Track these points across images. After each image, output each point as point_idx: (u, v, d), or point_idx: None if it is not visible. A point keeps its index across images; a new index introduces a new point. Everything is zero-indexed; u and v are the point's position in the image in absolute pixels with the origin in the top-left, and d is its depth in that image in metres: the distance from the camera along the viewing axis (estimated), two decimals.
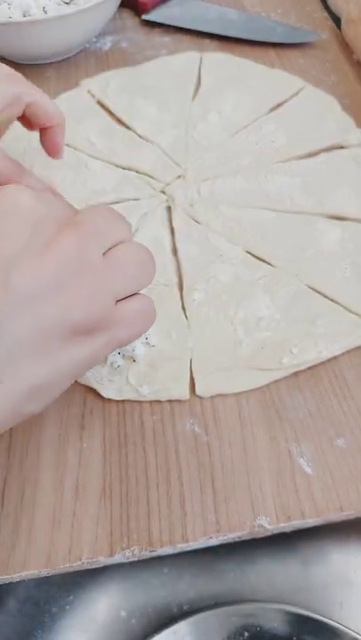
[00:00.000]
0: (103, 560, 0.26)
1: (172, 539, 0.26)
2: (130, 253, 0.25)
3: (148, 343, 0.32)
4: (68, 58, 0.53)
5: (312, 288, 0.34)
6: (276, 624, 0.30)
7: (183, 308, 0.34)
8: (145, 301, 0.26)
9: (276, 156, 0.43)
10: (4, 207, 0.23)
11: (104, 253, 0.24)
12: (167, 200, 0.41)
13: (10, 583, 0.26)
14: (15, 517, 0.27)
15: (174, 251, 0.38)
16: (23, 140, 0.45)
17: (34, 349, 0.22)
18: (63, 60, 0.53)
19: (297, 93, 0.47)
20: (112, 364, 0.31)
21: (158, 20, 0.56)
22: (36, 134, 0.45)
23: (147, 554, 0.26)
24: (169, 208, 0.40)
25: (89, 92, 0.49)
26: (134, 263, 0.25)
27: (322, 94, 0.47)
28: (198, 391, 0.31)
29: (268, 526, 0.26)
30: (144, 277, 0.26)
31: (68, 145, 0.44)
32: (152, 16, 0.57)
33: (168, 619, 0.31)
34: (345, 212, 0.38)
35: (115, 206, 0.40)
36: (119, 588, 0.32)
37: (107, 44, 0.55)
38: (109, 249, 0.25)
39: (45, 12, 0.48)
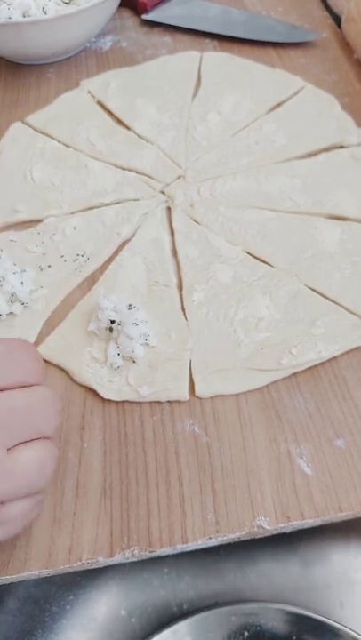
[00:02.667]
0: (103, 560, 0.26)
1: (172, 539, 0.26)
2: (29, 461, 0.23)
3: (147, 344, 0.32)
4: (68, 58, 0.53)
5: (312, 289, 0.34)
6: (276, 623, 0.30)
7: (183, 309, 0.34)
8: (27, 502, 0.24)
9: (276, 156, 0.43)
10: None
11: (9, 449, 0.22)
12: (167, 200, 0.41)
13: (10, 583, 0.26)
14: None
15: (174, 251, 0.38)
16: (25, 140, 0.45)
17: None
18: (63, 60, 0.53)
19: (297, 93, 0.47)
20: (112, 364, 0.31)
21: (158, 20, 0.56)
22: (39, 136, 0.45)
23: (147, 554, 0.26)
24: (169, 208, 0.40)
25: (89, 92, 0.49)
26: (30, 472, 0.23)
27: (322, 94, 0.47)
28: (198, 392, 0.31)
29: (267, 527, 0.26)
30: (37, 483, 0.23)
31: (67, 145, 0.45)
32: (152, 16, 0.56)
33: (168, 618, 0.31)
34: (345, 212, 0.38)
35: (115, 207, 0.40)
36: (119, 587, 0.32)
37: (107, 43, 0.55)
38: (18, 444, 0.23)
39: (45, 13, 0.48)
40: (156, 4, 0.57)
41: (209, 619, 0.30)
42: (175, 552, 0.26)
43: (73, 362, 0.32)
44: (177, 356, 0.32)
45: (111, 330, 0.32)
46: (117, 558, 0.26)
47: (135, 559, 0.26)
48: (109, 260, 0.37)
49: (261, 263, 0.36)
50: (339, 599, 0.32)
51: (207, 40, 0.54)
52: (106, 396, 0.31)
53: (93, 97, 0.49)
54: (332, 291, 0.34)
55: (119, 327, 0.32)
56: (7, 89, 0.51)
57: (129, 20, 0.58)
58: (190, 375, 0.31)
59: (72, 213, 0.40)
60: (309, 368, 0.32)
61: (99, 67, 0.52)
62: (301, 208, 0.39)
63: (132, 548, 0.26)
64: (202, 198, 0.40)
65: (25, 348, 0.24)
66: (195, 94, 0.48)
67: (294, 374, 0.31)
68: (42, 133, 0.46)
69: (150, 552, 0.26)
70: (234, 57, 0.51)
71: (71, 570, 0.26)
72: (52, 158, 0.43)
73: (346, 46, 0.52)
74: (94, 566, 0.26)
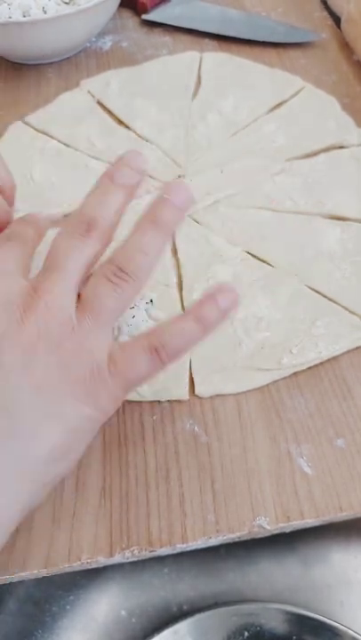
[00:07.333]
0: (103, 560, 0.26)
1: (172, 539, 0.26)
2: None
3: None
4: (68, 58, 0.53)
5: (312, 288, 0.34)
6: (276, 624, 0.30)
7: (183, 309, 0.34)
8: None
9: (276, 155, 0.43)
10: None
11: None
12: None
13: (10, 583, 0.26)
14: None
15: (174, 251, 0.38)
16: (25, 140, 0.45)
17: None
18: (63, 60, 0.53)
19: (297, 93, 0.47)
20: None
21: (158, 20, 0.56)
22: (39, 136, 0.45)
23: (146, 554, 0.26)
24: None
25: (89, 92, 0.49)
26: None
27: (322, 94, 0.47)
28: (198, 391, 0.31)
29: (267, 526, 0.26)
30: None
31: (68, 145, 0.45)
32: (152, 16, 0.57)
33: (168, 618, 0.31)
34: (345, 212, 0.38)
35: None
36: (119, 587, 0.32)
37: (107, 43, 0.55)
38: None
39: (45, 13, 0.48)
40: (156, 4, 0.58)
41: (209, 619, 0.30)
42: (175, 552, 0.26)
43: None
44: None
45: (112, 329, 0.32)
46: (117, 558, 0.26)
47: (135, 559, 0.26)
48: None
49: (261, 263, 0.36)
50: (339, 599, 0.32)
51: (207, 40, 0.54)
52: None
53: (93, 97, 0.49)
54: (332, 291, 0.34)
55: (120, 327, 0.32)
56: (7, 89, 0.51)
57: (129, 20, 0.58)
58: (190, 375, 0.31)
59: (72, 213, 0.40)
60: (310, 368, 0.32)
61: (99, 67, 0.52)
62: (301, 208, 0.39)
63: (131, 548, 0.26)
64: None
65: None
66: (195, 94, 0.48)
67: (295, 374, 0.31)
68: (42, 133, 0.46)
69: (150, 552, 0.26)
70: (234, 57, 0.51)
71: (71, 570, 0.26)
72: (52, 158, 0.43)
73: (346, 47, 0.52)
74: (94, 566, 0.26)
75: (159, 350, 0.23)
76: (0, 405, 0.21)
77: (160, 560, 0.32)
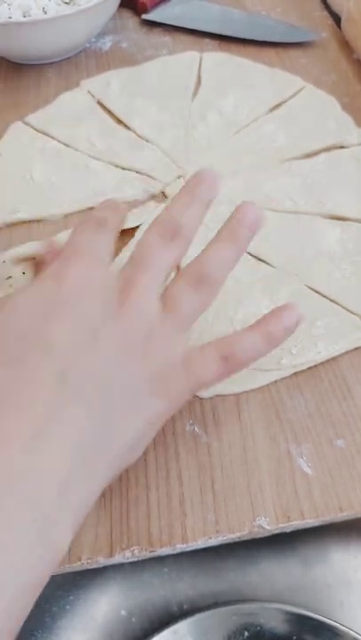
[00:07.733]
0: (103, 561, 0.26)
1: (172, 539, 0.26)
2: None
3: None
4: (68, 58, 0.53)
5: (312, 288, 0.34)
6: (277, 623, 0.30)
7: None
8: None
9: (276, 155, 0.43)
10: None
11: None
12: (167, 200, 0.41)
13: None
14: None
15: None
16: (25, 140, 0.45)
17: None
18: (63, 60, 0.53)
19: (297, 93, 0.47)
20: None
21: (158, 20, 0.56)
22: (39, 136, 0.45)
23: (146, 554, 0.26)
24: None
25: (89, 92, 0.49)
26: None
27: (322, 94, 0.47)
28: (198, 392, 0.31)
29: (267, 527, 0.26)
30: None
31: (68, 145, 0.45)
32: (152, 16, 0.57)
33: (168, 618, 0.31)
34: (345, 212, 0.38)
35: None
36: (119, 587, 0.32)
37: (107, 43, 0.55)
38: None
39: (45, 13, 0.48)
40: (156, 4, 0.58)
41: (209, 619, 0.30)
42: (175, 552, 0.26)
43: None
44: None
45: None
46: (117, 558, 0.26)
47: (135, 559, 0.26)
48: None
49: (261, 263, 0.36)
50: (339, 599, 0.32)
51: (207, 40, 0.54)
52: None
53: (93, 97, 0.49)
54: (332, 291, 0.34)
55: None
56: (7, 89, 0.51)
57: (129, 20, 0.58)
58: None
59: (72, 213, 0.40)
60: (310, 368, 0.32)
61: (99, 67, 0.52)
62: (301, 208, 0.39)
63: (131, 548, 0.26)
64: None
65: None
66: (195, 94, 0.48)
67: (294, 374, 0.31)
68: (42, 133, 0.46)
69: (150, 552, 0.26)
70: (234, 57, 0.51)
71: (71, 570, 0.26)
72: (52, 158, 0.43)
73: (346, 46, 0.52)
74: (94, 566, 0.26)
75: (229, 360, 0.25)
76: (95, 390, 0.22)
77: (160, 560, 0.32)
